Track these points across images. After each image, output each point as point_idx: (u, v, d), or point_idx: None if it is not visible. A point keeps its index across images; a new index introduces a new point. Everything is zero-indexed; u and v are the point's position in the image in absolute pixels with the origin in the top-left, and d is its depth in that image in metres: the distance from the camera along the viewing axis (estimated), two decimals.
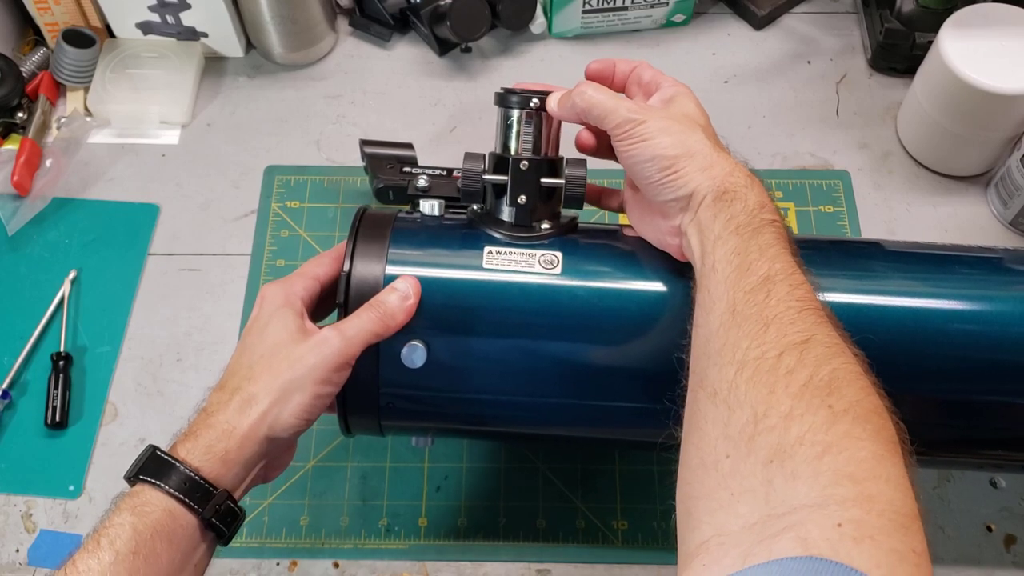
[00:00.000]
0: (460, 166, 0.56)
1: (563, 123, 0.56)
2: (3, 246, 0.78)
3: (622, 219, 0.80)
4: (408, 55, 0.91)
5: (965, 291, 0.54)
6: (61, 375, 0.71)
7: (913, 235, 0.76)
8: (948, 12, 0.77)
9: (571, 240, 0.56)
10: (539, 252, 0.54)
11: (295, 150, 0.84)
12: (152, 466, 0.47)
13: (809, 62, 0.90)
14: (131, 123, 0.85)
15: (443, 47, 0.90)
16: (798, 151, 0.84)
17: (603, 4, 0.88)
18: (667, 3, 0.89)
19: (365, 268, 0.53)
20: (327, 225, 0.80)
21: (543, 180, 0.55)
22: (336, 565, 0.66)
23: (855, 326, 0.44)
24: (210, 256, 0.79)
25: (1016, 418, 0.54)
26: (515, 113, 0.55)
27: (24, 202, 0.79)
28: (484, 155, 0.56)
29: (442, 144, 0.84)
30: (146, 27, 0.87)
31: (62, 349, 0.72)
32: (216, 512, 0.47)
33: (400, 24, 0.91)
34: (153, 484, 0.47)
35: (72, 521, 0.67)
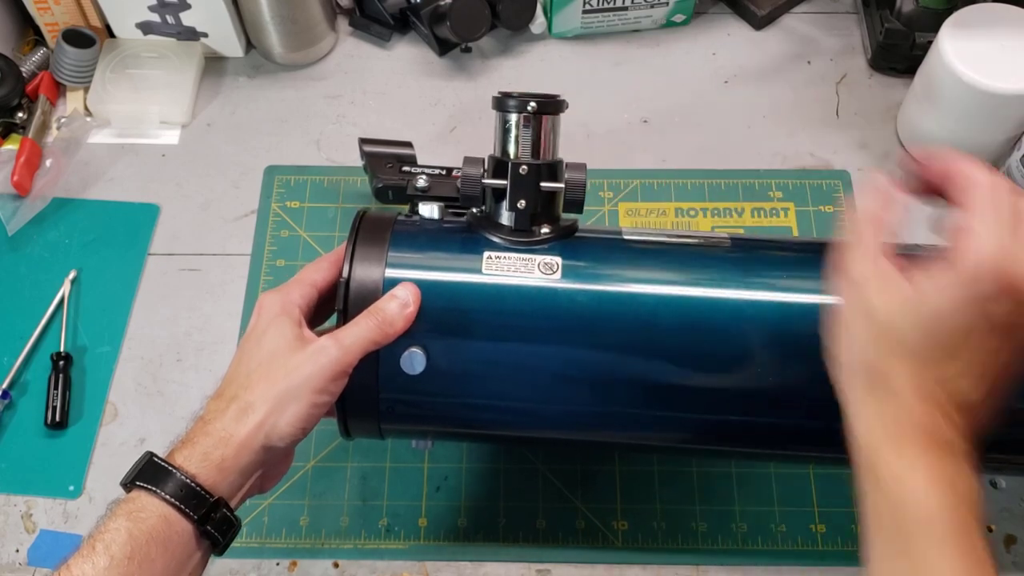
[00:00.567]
0: (459, 166, 0.56)
1: (562, 124, 0.56)
2: (3, 246, 0.78)
3: (622, 222, 0.80)
4: (408, 55, 0.91)
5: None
6: (61, 375, 0.71)
7: (913, 235, 0.76)
8: (948, 12, 0.77)
9: (571, 244, 0.55)
10: (539, 257, 0.54)
11: (295, 150, 0.84)
12: (149, 472, 0.47)
13: (809, 62, 0.90)
14: (131, 123, 0.85)
15: (443, 47, 0.90)
16: (798, 151, 0.84)
17: (603, 4, 0.88)
18: (667, 3, 0.89)
19: (364, 272, 0.53)
20: (327, 225, 0.80)
21: (543, 184, 0.54)
22: (336, 565, 0.66)
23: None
24: (210, 256, 0.79)
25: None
26: (513, 117, 0.55)
27: (24, 202, 0.79)
28: (483, 159, 0.56)
29: (442, 144, 0.84)
30: (146, 27, 0.87)
31: (62, 349, 0.72)
32: (211, 519, 0.47)
33: (400, 24, 0.90)
34: (149, 490, 0.47)
35: (72, 521, 0.67)
